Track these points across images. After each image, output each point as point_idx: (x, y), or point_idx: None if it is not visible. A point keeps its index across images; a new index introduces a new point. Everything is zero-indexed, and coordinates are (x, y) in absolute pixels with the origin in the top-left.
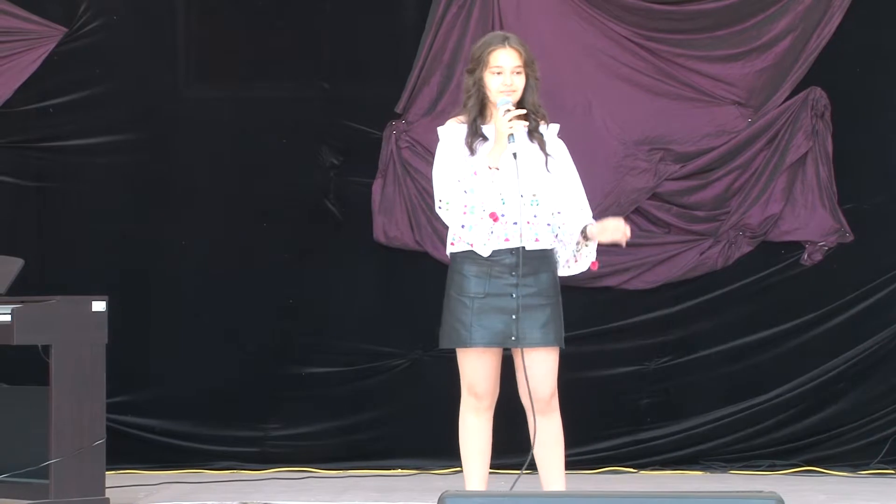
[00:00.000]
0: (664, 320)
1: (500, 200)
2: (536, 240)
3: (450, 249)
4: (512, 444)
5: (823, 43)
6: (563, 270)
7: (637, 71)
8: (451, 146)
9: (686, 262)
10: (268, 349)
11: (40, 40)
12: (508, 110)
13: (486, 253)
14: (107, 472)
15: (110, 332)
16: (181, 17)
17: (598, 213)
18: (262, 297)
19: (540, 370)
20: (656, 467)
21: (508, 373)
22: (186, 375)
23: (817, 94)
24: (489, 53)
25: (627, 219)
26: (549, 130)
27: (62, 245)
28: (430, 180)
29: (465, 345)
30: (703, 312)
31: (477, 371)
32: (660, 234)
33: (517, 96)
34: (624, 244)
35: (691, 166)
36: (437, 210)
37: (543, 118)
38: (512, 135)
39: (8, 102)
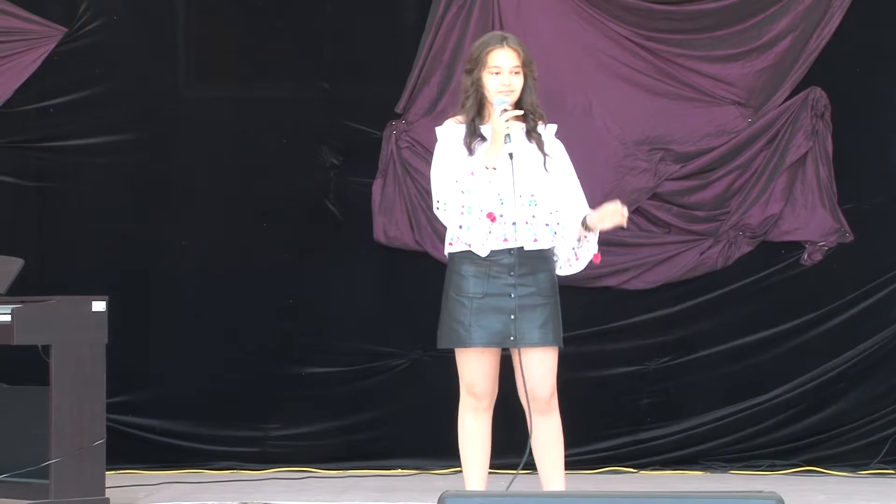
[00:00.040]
0: (664, 320)
1: (498, 200)
2: (535, 240)
3: (448, 250)
4: (511, 444)
5: (823, 43)
6: (565, 269)
7: (637, 71)
8: (448, 147)
9: (686, 262)
10: (268, 349)
11: (40, 40)
12: (505, 110)
13: (484, 253)
14: (107, 472)
15: (110, 332)
16: (181, 17)
17: None
18: (262, 297)
19: (539, 370)
20: (656, 467)
21: (507, 372)
22: (186, 375)
23: (817, 94)
24: (487, 53)
25: (627, 219)
26: (547, 130)
27: (62, 245)
28: (429, 180)
29: (464, 345)
30: (703, 312)
31: (476, 371)
32: (660, 234)
33: (515, 96)
34: (625, 224)
35: (691, 166)
36: (435, 210)
37: (541, 118)
38: (508, 135)
39: (8, 102)
